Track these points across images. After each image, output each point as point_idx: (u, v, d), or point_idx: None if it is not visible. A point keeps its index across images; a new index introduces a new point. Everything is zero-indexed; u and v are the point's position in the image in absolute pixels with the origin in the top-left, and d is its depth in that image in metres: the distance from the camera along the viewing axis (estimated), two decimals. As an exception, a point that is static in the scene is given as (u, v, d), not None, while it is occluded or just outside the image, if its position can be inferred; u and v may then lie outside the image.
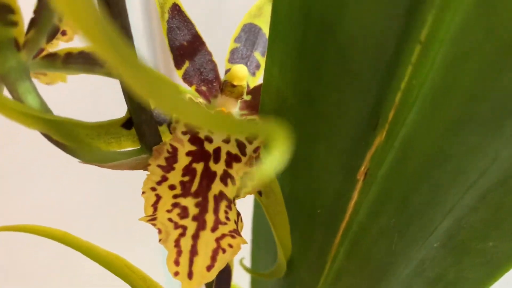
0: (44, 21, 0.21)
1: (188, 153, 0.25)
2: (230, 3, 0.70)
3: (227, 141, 0.25)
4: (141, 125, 0.24)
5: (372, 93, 0.22)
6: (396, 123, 0.22)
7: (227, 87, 0.26)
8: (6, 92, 0.22)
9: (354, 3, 0.19)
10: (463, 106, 0.20)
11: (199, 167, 0.24)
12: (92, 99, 0.62)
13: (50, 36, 0.23)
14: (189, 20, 0.26)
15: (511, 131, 0.20)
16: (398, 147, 0.22)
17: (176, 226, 0.23)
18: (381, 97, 0.22)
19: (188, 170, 0.24)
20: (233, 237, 0.23)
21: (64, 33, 0.25)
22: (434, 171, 0.22)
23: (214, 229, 0.23)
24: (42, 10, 0.21)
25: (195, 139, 0.25)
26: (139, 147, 0.25)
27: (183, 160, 0.24)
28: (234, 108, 0.27)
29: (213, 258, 0.23)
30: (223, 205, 0.24)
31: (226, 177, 0.25)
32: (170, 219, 0.23)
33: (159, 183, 0.24)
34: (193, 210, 0.24)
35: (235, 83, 0.26)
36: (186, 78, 0.26)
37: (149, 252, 0.63)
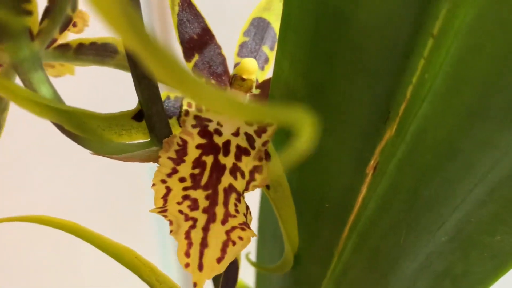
0: (58, 10, 0.21)
1: (198, 146, 0.25)
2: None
3: (236, 134, 0.25)
4: (152, 117, 0.24)
5: (383, 86, 0.22)
6: (407, 117, 0.22)
7: (237, 81, 0.26)
8: (17, 82, 0.22)
9: (369, -6, 0.20)
10: (476, 99, 0.20)
11: (209, 160, 0.24)
12: (96, 93, 0.62)
13: (63, 26, 0.23)
14: (199, 13, 0.26)
15: (523, 125, 0.20)
16: (409, 140, 0.23)
17: (187, 218, 0.23)
18: (392, 91, 0.22)
19: (198, 163, 0.24)
20: (243, 229, 0.24)
21: (74, 24, 0.25)
22: (444, 165, 0.22)
23: (224, 222, 0.24)
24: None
25: (204, 132, 0.25)
26: (149, 139, 0.25)
27: (193, 153, 0.24)
28: (243, 102, 0.27)
29: (223, 251, 0.23)
30: (232, 198, 0.24)
31: (235, 170, 0.25)
32: (180, 211, 0.23)
33: (169, 175, 0.24)
34: (203, 203, 0.24)
35: (244, 77, 0.26)
36: (195, 71, 0.26)
37: (146, 246, 0.63)
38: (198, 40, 0.26)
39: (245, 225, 0.24)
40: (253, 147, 0.25)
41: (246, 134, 0.25)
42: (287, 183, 0.27)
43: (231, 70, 0.28)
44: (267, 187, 0.27)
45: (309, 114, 0.11)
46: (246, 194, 0.26)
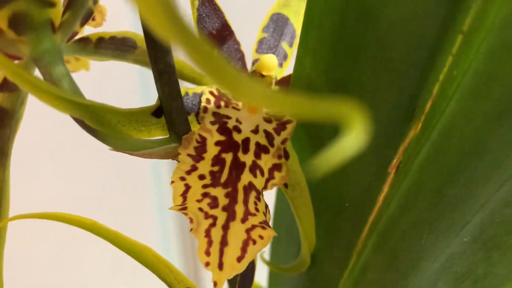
0: (80, 3, 0.21)
1: (217, 143, 0.24)
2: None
3: (255, 131, 0.25)
4: (172, 113, 0.23)
5: (409, 83, 0.22)
6: (433, 115, 0.22)
7: (256, 78, 0.26)
8: (37, 74, 0.21)
9: (398, -11, 0.19)
10: (506, 97, 0.20)
11: (228, 157, 0.24)
12: (107, 89, 0.62)
13: (84, 19, 0.22)
14: (218, 8, 0.26)
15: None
16: (435, 139, 0.22)
17: (207, 216, 0.23)
18: (418, 88, 0.22)
19: (218, 160, 0.24)
20: (263, 228, 0.23)
21: (93, 18, 0.24)
22: (470, 164, 0.22)
23: (244, 220, 0.23)
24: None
25: (223, 129, 0.24)
26: (168, 136, 0.24)
27: (212, 150, 0.24)
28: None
29: (244, 249, 0.23)
30: (252, 196, 0.24)
31: (255, 168, 0.24)
32: (200, 209, 0.23)
33: (188, 172, 0.23)
34: (223, 201, 0.23)
35: (264, 73, 0.26)
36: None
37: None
38: (217, 35, 0.26)
39: (265, 224, 0.23)
40: (272, 145, 0.25)
41: (265, 131, 0.25)
42: (305, 182, 0.27)
43: (250, 67, 0.27)
44: (285, 185, 0.27)
45: (359, 108, 0.11)
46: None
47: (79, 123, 0.21)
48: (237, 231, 0.23)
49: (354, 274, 0.28)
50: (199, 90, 0.26)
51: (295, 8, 0.29)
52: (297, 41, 0.29)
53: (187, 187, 0.23)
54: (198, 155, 0.24)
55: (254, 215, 0.23)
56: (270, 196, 0.37)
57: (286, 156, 0.25)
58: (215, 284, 0.22)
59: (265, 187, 0.25)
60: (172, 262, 0.24)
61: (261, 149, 0.25)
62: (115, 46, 0.25)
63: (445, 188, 0.23)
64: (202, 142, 0.24)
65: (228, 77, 0.11)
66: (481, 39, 0.19)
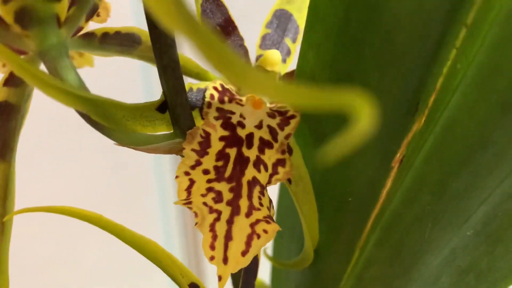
0: (85, -3, 0.21)
1: (221, 138, 0.24)
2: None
3: (259, 126, 0.25)
4: (176, 108, 0.23)
5: (413, 77, 0.22)
6: (436, 108, 0.22)
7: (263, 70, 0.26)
8: (42, 69, 0.22)
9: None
10: (509, 90, 0.20)
11: (232, 152, 0.24)
12: (109, 85, 0.62)
13: (89, 14, 0.22)
14: (222, 4, 0.26)
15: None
16: (438, 132, 0.22)
17: (211, 210, 0.23)
18: (422, 81, 0.22)
19: (222, 155, 0.24)
20: (267, 222, 0.23)
21: (98, 14, 0.24)
22: (474, 157, 0.22)
23: (248, 215, 0.23)
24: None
25: (227, 124, 0.25)
26: (172, 131, 0.24)
27: (216, 145, 0.24)
28: (265, 94, 0.27)
29: (248, 244, 0.23)
30: (256, 191, 0.24)
31: (259, 163, 0.24)
32: (205, 203, 0.23)
33: (192, 167, 0.23)
34: (227, 195, 0.23)
35: (268, 69, 0.26)
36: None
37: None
38: (221, 31, 0.26)
39: (269, 218, 0.23)
40: (276, 140, 0.25)
41: (269, 126, 0.25)
42: (309, 177, 0.27)
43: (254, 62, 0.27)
44: (289, 181, 0.27)
45: (366, 97, 0.11)
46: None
47: (84, 118, 0.21)
48: (241, 225, 0.23)
49: (357, 269, 0.28)
50: (203, 86, 0.26)
51: (298, 4, 0.29)
52: (300, 37, 0.29)
53: (192, 181, 0.23)
54: (203, 150, 0.24)
55: (259, 209, 0.24)
56: (273, 192, 0.37)
57: (290, 151, 0.25)
58: (219, 278, 0.22)
59: (269, 182, 0.25)
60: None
61: (265, 144, 0.25)
62: (119, 41, 0.25)
63: (448, 181, 0.23)
64: (206, 137, 0.24)
65: (236, 68, 0.11)
66: (485, 32, 0.19)
